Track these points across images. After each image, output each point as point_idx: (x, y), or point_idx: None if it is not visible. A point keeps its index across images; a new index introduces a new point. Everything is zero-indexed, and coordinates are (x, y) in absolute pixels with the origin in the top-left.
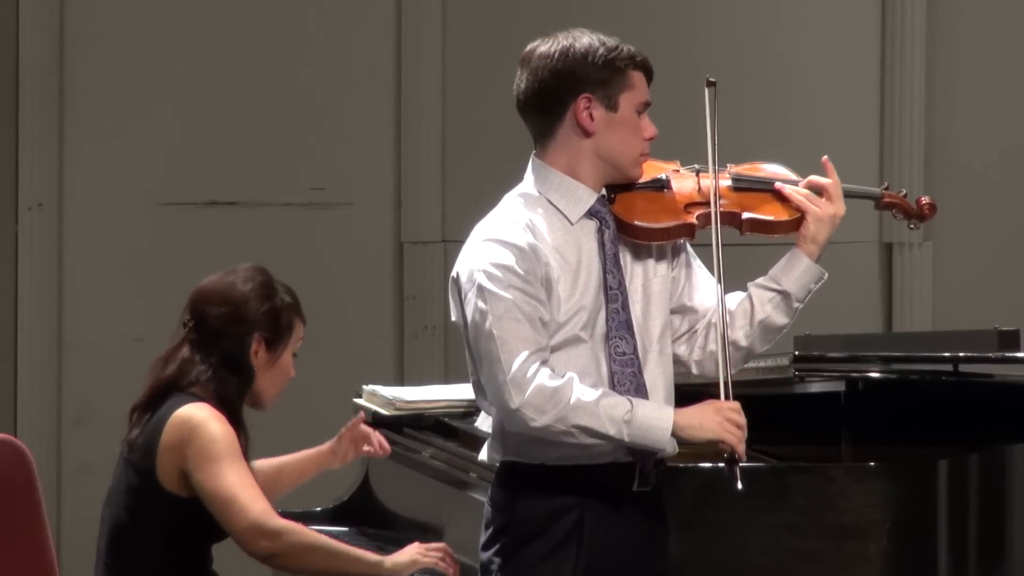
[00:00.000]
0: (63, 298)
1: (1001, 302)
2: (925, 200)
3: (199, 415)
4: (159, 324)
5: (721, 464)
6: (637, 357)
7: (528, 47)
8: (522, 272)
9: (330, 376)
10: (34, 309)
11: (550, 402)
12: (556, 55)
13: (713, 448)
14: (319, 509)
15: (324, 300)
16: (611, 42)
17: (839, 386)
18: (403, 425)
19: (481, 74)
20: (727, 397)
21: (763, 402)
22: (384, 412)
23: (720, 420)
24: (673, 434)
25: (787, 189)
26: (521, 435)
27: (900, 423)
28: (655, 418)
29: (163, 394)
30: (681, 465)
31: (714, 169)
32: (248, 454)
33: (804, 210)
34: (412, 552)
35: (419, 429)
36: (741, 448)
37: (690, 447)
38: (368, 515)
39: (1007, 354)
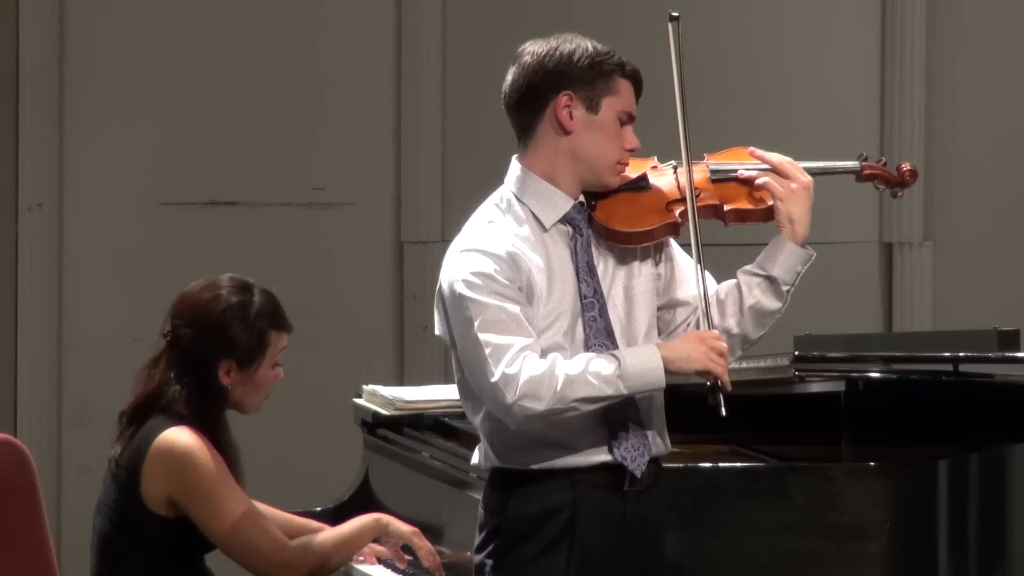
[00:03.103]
0: (63, 298)
1: (1001, 302)
2: (906, 167)
3: (180, 443)
4: (159, 324)
5: (716, 464)
6: None
7: (522, 46)
8: (503, 280)
9: (330, 376)
10: (34, 309)
11: (543, 387)
12: (544, 53)
13: (710, 450)
14: (319, 509)
15: (324, 300)
16: (603, 48)
17: (839, 386)
18: (403, 425)
19: (481, 74)
20: (709, 326)
21: (763, 402)
22: (384, 412)
23: (706, 350)
24: (665, 370)
25: (751, 174)
26: (506, 443)
27: (900, 423)
28: (645, 362)
29: (146, 408)
30: (681, 465)
31: (682, 111)
32: (239, 464)
33: (770, 193)
34: (410, 528)
35: (419, 429)
36: (726, 377)
37: (690, 448)
38: None
39: (1007, 354)
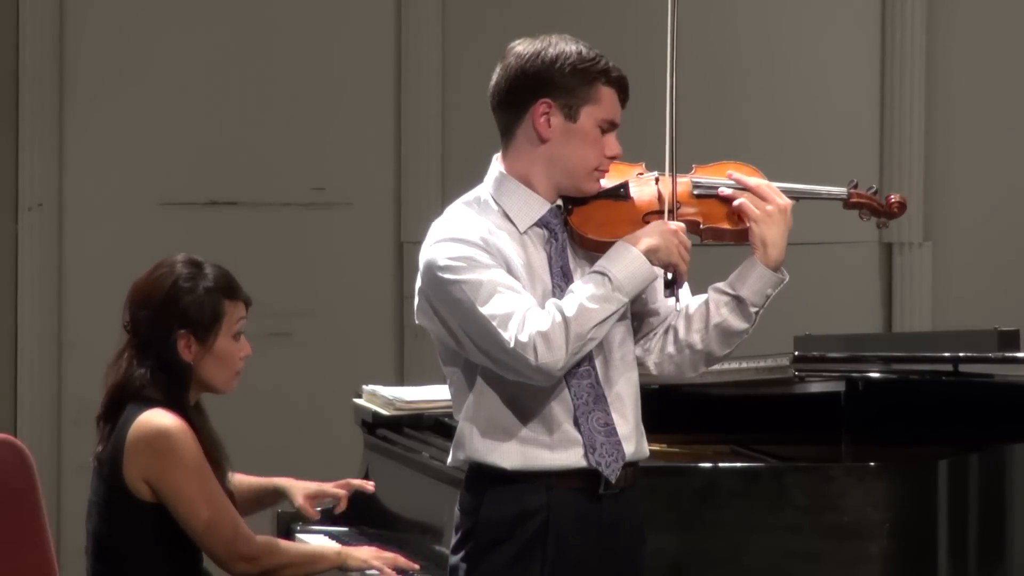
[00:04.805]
0: (63, 298)
1: (1001, 302)
2: (895, 198)
3: (157, 423)
4: None
5: (718, 464)
6: (594, 368)
7: (511, 44)
8: (485, 259)
9: (330, 376)
10: (34, 309)
11: (556, 337)
12: (528, 55)
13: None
14: (319, 509)
15: (324, 300)
16: (589, 53)
17: (839, 386)
18: (403, 425)
19: (481, 74)
20: (672, 217)
21: (763, 402)
22: (384, 412)
23: (677, 244)
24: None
25: (730, 193)
26: (483, 435)
27: (900, 423)
28: (630, 264)
29: (118, 402)
30: (681, 465)
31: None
32: (220, 447)
33: (745, 214)
34: (368, 552)
35: (419, 429)
36: (685, 274)
37: (690, 448)
38: (368, 515)
39: (1007, 354)
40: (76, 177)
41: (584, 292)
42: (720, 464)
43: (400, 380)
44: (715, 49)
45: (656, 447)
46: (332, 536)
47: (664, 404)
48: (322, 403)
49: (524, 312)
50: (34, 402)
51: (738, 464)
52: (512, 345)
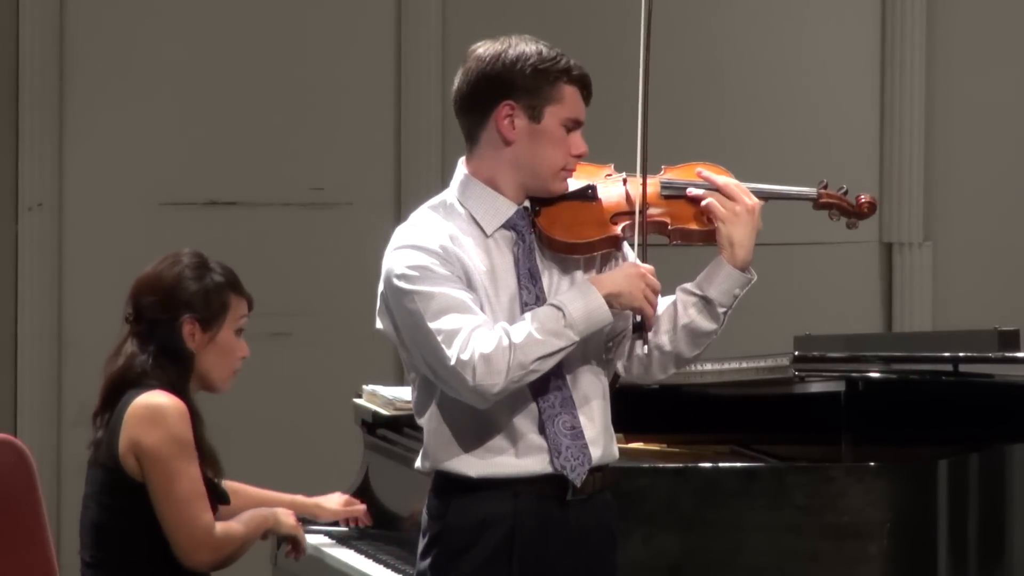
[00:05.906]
0: (63, 298)
1: (1001, 302)
2: (864, 198)
3: (156, 400)
4: None
5: (718, 463)
6: (561, 370)
7: (472, 46)
8: (441, 271)
9: (330, 376)
10: (34, 309)
11: (498, 361)
12: (488, 58)
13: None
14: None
15: (324, 300)
16: (549, 52)
17: (839, 386)
18: (403, 425)
19: None
20: (643, 260)
21: (763, 402)
22: (384, 412)
23: (643, 287)
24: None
25: (698, 193)
26: (447, 444)
27: (900, 423)
28: (588, 304)
29: (117, 392)
30: (681, 465)
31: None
32: (205, 439)
33: (712, 214)
34: (294, 519)
35: (419, 429)
36: (653, 319)
37: (690, 448)
38: (368, 515)
39: (1007, 354)
40: (76, 177)
41: (535, 322)
42: (720, 464)
43: (400, 380)
44: (716, 49)
45: (656, 447)
46: (332, 536)
47: (664, 404)
48: (322, 403)
49: (470, 331)
50: (34, 402)
51: (738, 464)
52: (453, 363)
